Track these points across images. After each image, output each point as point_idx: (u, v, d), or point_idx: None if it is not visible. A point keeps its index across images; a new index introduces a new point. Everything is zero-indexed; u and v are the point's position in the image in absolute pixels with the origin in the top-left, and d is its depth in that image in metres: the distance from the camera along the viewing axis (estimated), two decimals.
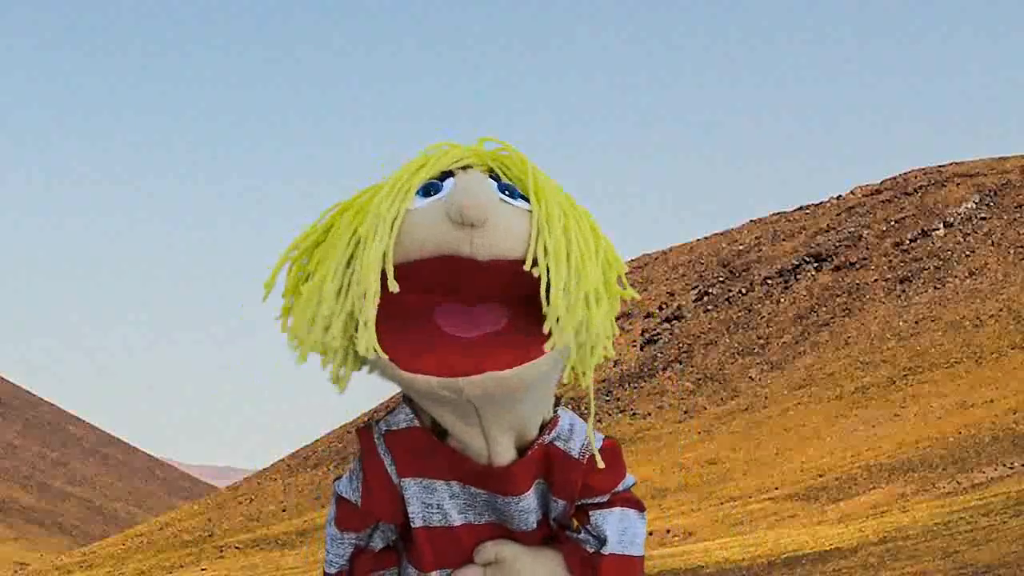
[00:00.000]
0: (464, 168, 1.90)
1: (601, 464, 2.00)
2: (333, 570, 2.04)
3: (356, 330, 1.83)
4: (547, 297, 1.82)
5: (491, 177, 1.89)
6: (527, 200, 1.87)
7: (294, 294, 1.91)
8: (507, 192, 1.87)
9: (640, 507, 2.10)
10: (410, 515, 1.98)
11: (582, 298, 1.84)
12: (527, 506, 1.99)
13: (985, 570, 12.94)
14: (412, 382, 1.84)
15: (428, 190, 1.85)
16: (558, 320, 1.82)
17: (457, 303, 1.86)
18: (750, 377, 42.69)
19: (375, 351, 1.82)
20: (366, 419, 1.97)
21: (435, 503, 1.98)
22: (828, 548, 17.23)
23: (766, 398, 39.55)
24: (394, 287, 1.80)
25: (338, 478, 2.05)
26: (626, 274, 1.99)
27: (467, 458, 1.95)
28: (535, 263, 1.82)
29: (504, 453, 1.95)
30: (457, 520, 1.98)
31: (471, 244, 1.81)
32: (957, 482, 22.71)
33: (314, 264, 1.88)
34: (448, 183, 1.86)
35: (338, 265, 1.84)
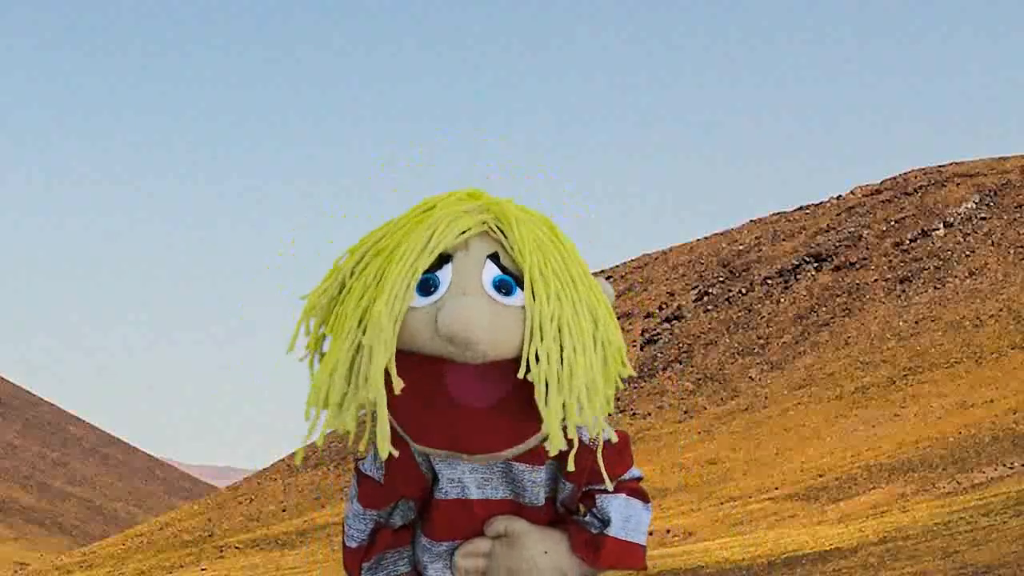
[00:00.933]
0: (466, 243, 1.94)
1: (613, 438, 2.06)
2: (354, 544, 2.13)
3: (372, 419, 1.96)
4: (544, 399, 1.91)
5: (490, 257, 1.94)
6: (523, 287, 1.93)
7: (316, 351, 2.01)
8: (503, 289, 1.92)
9: (646, 498, 2.16)
10: (434, 488, 2.08)
11: (575, 400, 1.92)
12: (539, 479, 2.07)
13: (985, 570, 12.94)
14: (421, 448, 1.99)
15: (427, 285, 1.91)
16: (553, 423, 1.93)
17: (462, 366, 1.93)
18: (750, 377, 42.70)
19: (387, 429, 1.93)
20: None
21: (456, 476, 2.06)
22: (828, 548, 17.23)
23: (766, 398, 39.56)
24: (398, 389, 1.90)
25: (360, 458, 2.13)
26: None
27: None
28: (529, 367, 1.91)
29: None
30: (474, 494, 2.06)
31: (463, 356, 1.90)
32: (957, 482, 22.71)
33: (332, 326, 1.97)
34: (445, 276, 1.91)
35: (346, 352, 1.93)
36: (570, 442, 1.99)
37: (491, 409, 1.93)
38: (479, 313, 1.88)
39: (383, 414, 1.90)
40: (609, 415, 2.03)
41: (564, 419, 1.92)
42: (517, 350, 1.90)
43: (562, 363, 1.90)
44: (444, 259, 1.92)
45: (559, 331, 1.91)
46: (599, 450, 2.04)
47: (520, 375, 1.89)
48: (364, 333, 1.90)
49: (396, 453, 1.93)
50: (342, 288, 1.96)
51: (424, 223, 1.94)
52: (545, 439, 2.00)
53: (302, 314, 1.98)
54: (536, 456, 2.04)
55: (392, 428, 1.94)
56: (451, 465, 2.05)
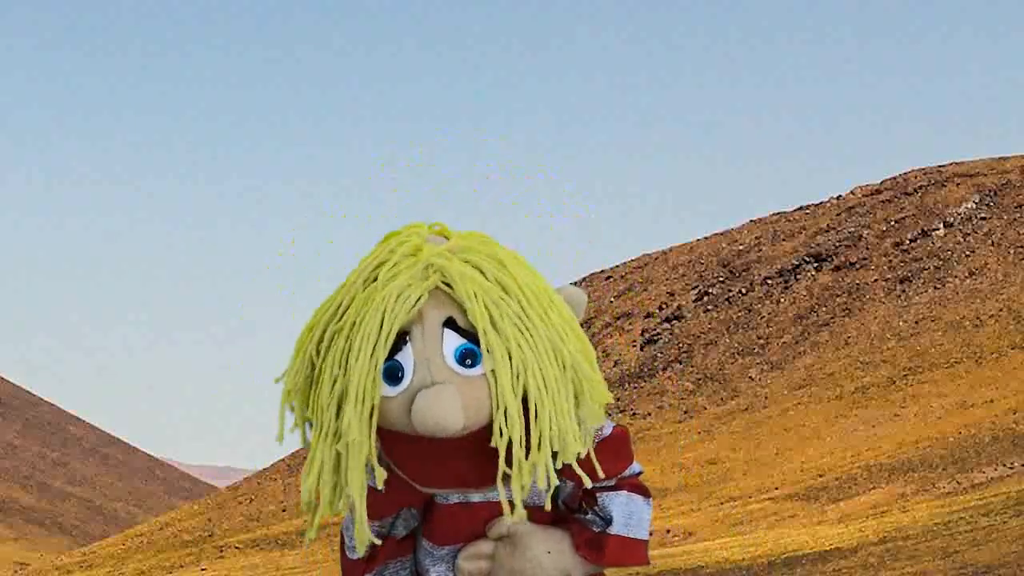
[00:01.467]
0: (420, 314, 1.94)
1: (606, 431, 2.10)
2: (354, 556, 2.13)
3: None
4: (510, 465, 1.94)
5: (445, 325, 1.94)
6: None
7: (301, 426, 2.04)
8: (467, 360, 1.93)
9: (646, 493, 2.17)
10: (437, 494, 2.09)
11: (545, 454, 1.95)
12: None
13: (985, 570, 12.94)
14: (430, 491, 2.05)
15: (393, 372, 1.93)
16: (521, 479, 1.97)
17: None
18: (750, 377, 42.70)
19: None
20: None
21: None
22: (828, 548, 17.23)
23: (766, 398, 39.56)
24: (381, 483, 1.97)
25: None
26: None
27: None
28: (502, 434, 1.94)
29: None
30: (476, 497, 2.07)
31: (442, 435, 1.93)
32: (957, 482, 22.71)
33: (310, 412, 2.01)
34: (407, 359, 1.92)
35: (329, 451, 1.98)
36: (566, 469, 2.02)
37: (488, 451, 1.96)
38: (450, 405, 1.90)
39: (362, 515, 1.96)
40: (599, 429, 2.08)
41: (536, 476, 1.95)
42: (488, 417, 1.94)
43: (529, 419, 1.93)
44: (402, 335, 1.93)
45: (524, 387, 1.93)
46: (590, 450, 2.06)
47: (493, 444, 1.92)
48: (340, 437, 1.94)
49: (376, 543, 2.01)
50: (313, 367, 1.99)
51: (375, 301, 1.94)
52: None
53: (282, 399, 2.01)
54: None
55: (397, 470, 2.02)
56: None
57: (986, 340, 36.50)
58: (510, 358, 1.92)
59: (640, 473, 2.17)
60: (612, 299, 54.29)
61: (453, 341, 1.92)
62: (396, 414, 1.92)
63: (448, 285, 1.94)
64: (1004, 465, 22.92)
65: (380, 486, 1.96)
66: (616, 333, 50.85)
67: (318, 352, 1.97)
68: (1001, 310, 38.86)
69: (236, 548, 36.63)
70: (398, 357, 1.92)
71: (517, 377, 1.92)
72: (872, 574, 14.52)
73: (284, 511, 43.16)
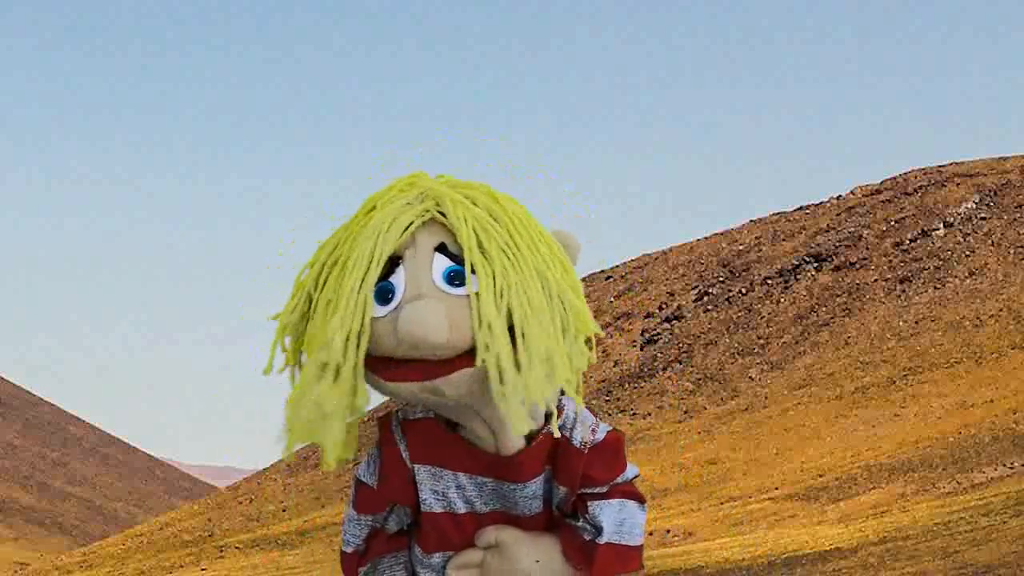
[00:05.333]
0: (412, 238, 1.93)
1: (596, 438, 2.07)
2: (350, 549, 2.13)
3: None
4: (497, 384, 1.89)
5: (437, 249, 1.93)
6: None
7: (295, 364, 2.02)
8: (456, 280, 1.91)
9: (640, 499, 2.14)
10: (420, 499, 2.06)
11: (538, 371, 1.90)
12: (532, 492, 2.06)
13: (985, 570, 12.95)
14: (397, 390, 1.94)
15: (385, 294, 1.91)
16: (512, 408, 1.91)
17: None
18: (750, 377, 42.69)
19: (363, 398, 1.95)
20: (382, 411, 2.04)
21: (441, 490, 2.06)
22: (828, 548, 17.23)
23: (766, 398, 39.56)
24: (364, 400, 1.94)
25: (358, 463, 2.14)
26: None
27: (477, 448, 2.02)
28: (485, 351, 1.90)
29: (511, 442, 2.02)
30: (461, 508, 2.06)
31: (431, 356, 1.90)
32: (957, 482, 22.71)
33: (304, 344, 1.98)
34: (399, 280, 1.91)
35: (316, 372, 1.93)
36: (547, 416, 2.00)
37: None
38: (434, 315, 1.87)
39: (331, 433, 1.93)
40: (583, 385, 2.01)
41: (531, 396, 1.89)
42: (471, 339, 1.90)
43: (516, 339, 1.89)
44: (396, 261, 1.93)
45: (508, 307, 1.89)
46: (582, 455, 2.04)
47: (477, 364, 1.87)
48: (330, 348, 1.91)
49: (341, 459, 1.96)
50: (310, 302, 1.97)
51: (368, 228, 1.94)
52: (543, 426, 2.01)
53: (276, 334, 2.00)
54: (525, 472, 2.03)
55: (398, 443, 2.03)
56: (436, 478, 2.05)
57: (986, 340, 36.50)
58: (494, 278, 1.90)
59: (635, 478, 2.14)
60: (612, 299, 54.27)
61: (442, 263, 1.91)
62: (383, 334, 1.90)
63: (442, 214, 1.94)
64: (1004, 465, 22.92)
65: (359, 406, 1.92)
66: (616, 333, 50.84)
67: (315, 286, 1.97)
68: (1001, 310, 38.86)
69: (236, 548, 36.62)
70: (391, 279, 1.92)
71: (500, 296, 1.89)
72: (872, 574, 14.53)
73: (284, 511, 43.16)
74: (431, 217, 1.94)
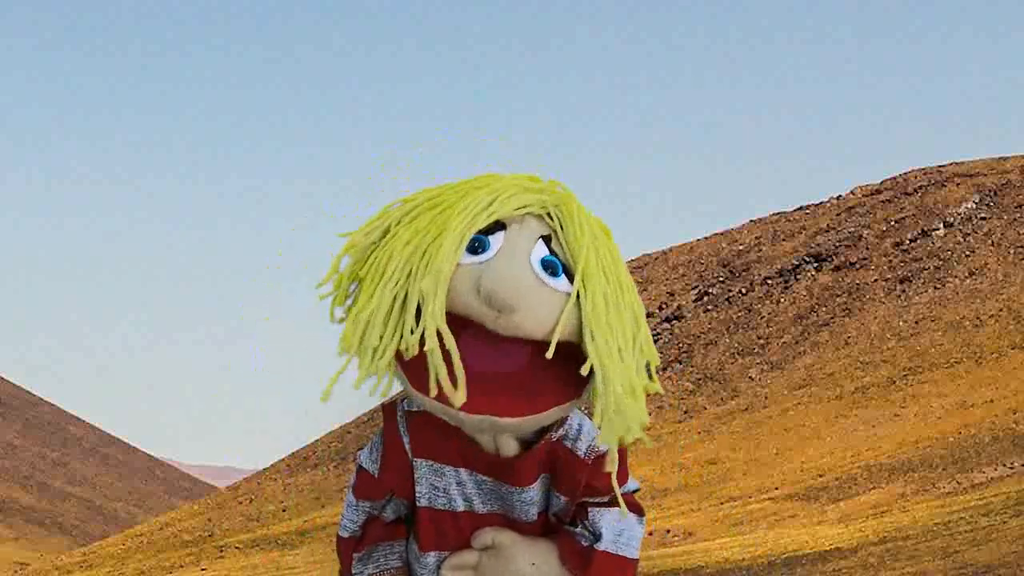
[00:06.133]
0: (521, 218, 1.92)
1: (612, 467, 2.03)
2: (346, 534, 2.14)
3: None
4: (599, 380, 1.88)
5: (543, 238, 1.91)
6: (568, 274, 1.90)
7: (342, 293, 1.96)
8: (549, 269, 1.89)
9: (640, 512, 2.13)
10: (417, 494, 2.05)
11: (612, 399, 1.90)
12: (530, 498, 2.04)
13: (985, 570, 12.94)
14: (421, 401, 1.92)
15: (475, 245, 1.89)
16: (607, 415, 1.91)
17: (482, 335, 1.90)
18: (750, 377, 42.70)
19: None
20: (372, 411, 2.00)
21: (442, 487, 2.05)
22: (828, 548, 17.23)
23: (766, 398, 39.56)
24: (449, 339, 1.86)
25: (362, 448, 2.13)
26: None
27: (477, 446, 2.01)
28: (568, 348, 1.88)
29: (509, 447, 2.01)
30: (461, 506, 2.05)
31: (495, 322, 1.88)
32: (957, 482, 22.70)
33: (367, 271, 1.92)
34: (496, 241, 1.89)
35: (388, 297, 1.89)
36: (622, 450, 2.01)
37: (499, 375, 1.90)
38: (525, 280, 1.86)
39: (437, 351, 1.85)
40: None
41: (617, 413, 1.90)
42: (547, 332, 1.87)
43: (621, 357, 1.89)
44: (498, 226, 1.90)
45: (609, 325, 1.89)
46: (604, 458, 2.03)
47: (549, 355, 1.85)
48: (412, 279, 1.87)
49: (447, 343, 1.86)
50: (384, 234, 1.93)
51: (485, 189, 1.92)
52: (550, 428, 1.99)
53: (342, 250, 1.94)
54: (521, 476, 2.02)
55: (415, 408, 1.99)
56: (438, 474, 2.04)
57: (986, 340, 36.49)
58: (598, 295, 1.89)
59: (636, 491, 2.14)
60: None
61: (542, 250, 1.90)
62: (461, 281, 1.87)
63: (556, 219, 1.93)
64: (1004, 465, 22.91)
65: (415, 346, 1.86)
66: None
67: (400, 221, 1.92)
68: (1001, 310, 38.86)
69: (236, 548, 36.62)
70: (488, 237, 1.90)
71: (603, 314, 1.88)
72: (872, 574, 14.52)
73: (284, 511, 43.16)
74: (546, 213, 1.93)
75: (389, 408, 2.06)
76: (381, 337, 1.88)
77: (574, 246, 1.91)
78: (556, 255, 1.91)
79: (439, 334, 1.85)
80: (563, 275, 1.90)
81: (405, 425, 2.04)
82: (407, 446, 2.03)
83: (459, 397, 1.86)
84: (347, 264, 1.95)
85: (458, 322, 1.88)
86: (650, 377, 1.98)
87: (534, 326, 1.87)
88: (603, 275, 1.91)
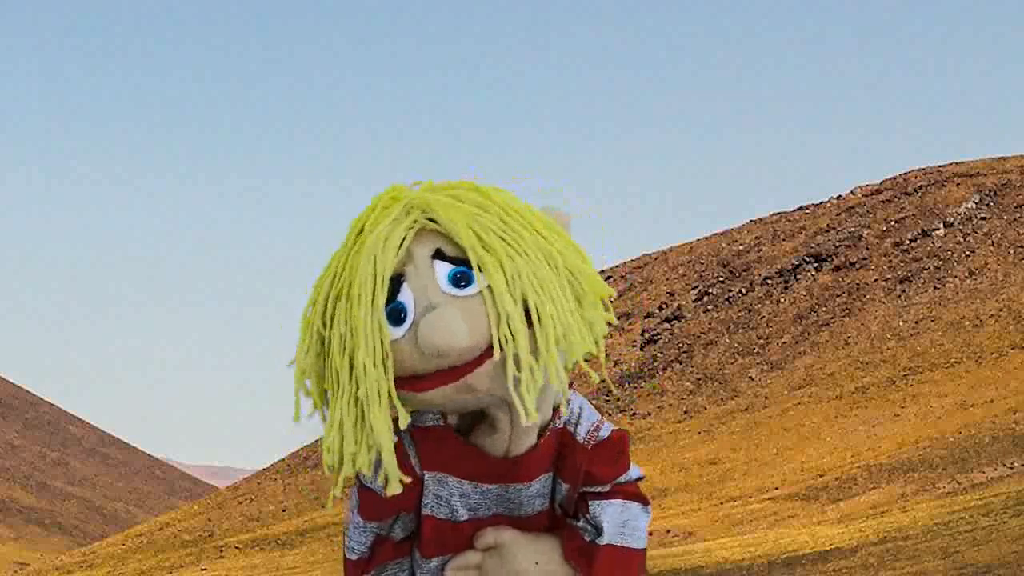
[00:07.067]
0: (408, 254, 1.91)
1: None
2: (354, 556, 2.09)
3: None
4: (512, 375, 1.88)
5: (434, 255, 1.91)
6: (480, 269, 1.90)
7: (322, 407, 1.99)
8: (461, 282, 1.89)
9: (644, 501, 2.10)
10: (422, 503, 2.04)
11: (553, 360, 1.89)
12: (537, 491, 2.03)
13: (985, 570, 12.95)
14: (431, 398, 1.92)
15: (397, 314, 1.89)
16: (526, 395, 1.89)
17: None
18: (750, 377, 42.70)
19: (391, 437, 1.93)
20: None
21: (444, 496, 2.03)
22: (828, 548, 17.23)
23: (766, 398, 39.56)
24: (405, 423, 1.90)
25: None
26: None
27: (485, 454, 2.00)
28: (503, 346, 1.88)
29: (526, 436, 1.99)
30: (463, 516, 2.03)
31: (459, 362, 1.88)
32: (957, 482, 22.70)
33: (328, 383, 1.95)
34: (407, 298, 1.90)
35: (347, 407, 1.92)
36: (554, 409, 1.99)
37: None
38: (452, 320, 1.86)
39: (390, 457, 1.90)
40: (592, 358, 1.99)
41: (550, 379, 1.89)
42: (490, 336, 1.88)
43: (533, 323, 1.87)
44: (398, 280, 1.90)
45: (523, 294, 1.88)
46: (586, 452, 2.02)
47: (496, 357, 1.86)
48: (357, 386, 1.89)
49: (407, 481, 1.93)
50: (323, 341, 1.94)
51: (364, 252, 1.92)
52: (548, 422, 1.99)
53: (296, 380, 1.97)
54: (533, 469, 2.01)
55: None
56: (441, 484, 2.02)
57: (986, 340, 36.49)
58: (503, 269, 1.88)
59: (640, 479, 2.11)
60: (612, 299, 54.16)
61: (444, 269, 1.89)
62: (408, 352, 1.88)
63: (431, 220, 1.92)
64: (1004, 465, 22.91)
65: (404, 426, 1.90)
66: (616, 333, 50.85)
67: (324, 324, 1.94)
68: (1001, 310, 38.86)
69: (236, 548, 36.62)
70: (399, 299, 1.89)
71: (513, 284, 1.88)
72: (872, 574, 14.53)
73: (284, 511, 43.16)
74: (421, 227, 1.92)
75: (393, 424, 2.01)
76: (356, 445, 1.92)
77: (452, 231, 1.90)
78: (457, 259, 1.90)
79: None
80: (475, 275, 1.90)
81: (411, 439, 2.03)
82: (415, 460, 2.02)
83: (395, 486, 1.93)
84: (311, 383, 1.98)
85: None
86: (607, 309, 1.98)
87: (483, 342, 1.87)
88: (498, 242, 1.90)
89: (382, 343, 1.88)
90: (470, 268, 1.89)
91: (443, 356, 1.86)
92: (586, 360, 1.96)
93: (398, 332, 1.89)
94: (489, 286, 1.88)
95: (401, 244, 1.91)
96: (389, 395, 1.88)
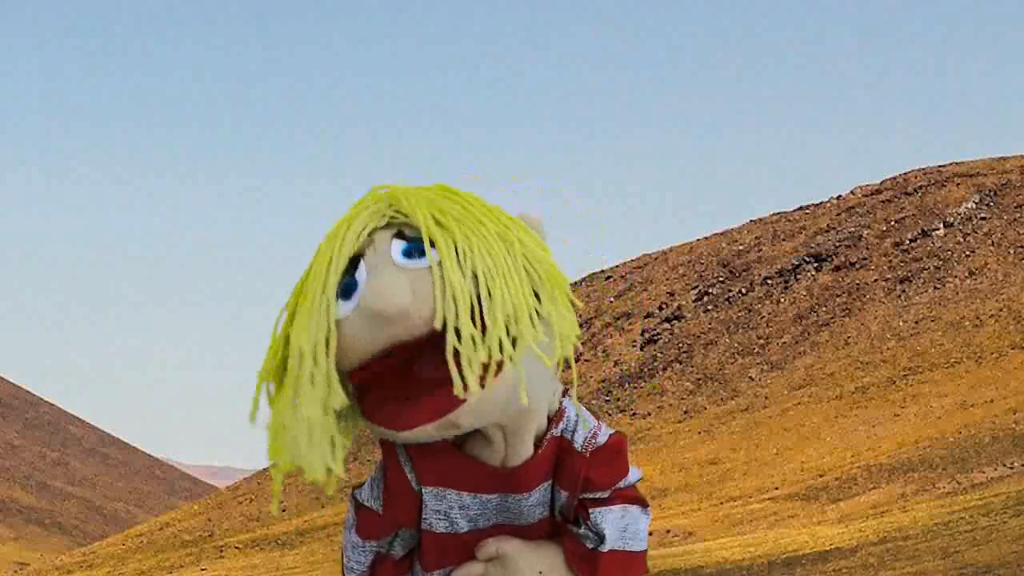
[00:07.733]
0: (371, 239, 1.87)
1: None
2: (353, 574, 2.06)
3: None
4: (452, 345, 1.81)
5: (396, 235, 1.87)
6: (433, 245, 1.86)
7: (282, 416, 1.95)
8: (414, 255, 1.85)
9: (643, 503, 2.09)
10: (422, 518, 2.01)
11: (500, 328, 1.82)
12: (537, 500, 2.01)
13: (985, 570, 12.95)
14: (416, 436, 1.86)
15: (348, 290, 1.84)
16: (466, 374, 1.81)
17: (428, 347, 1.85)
18: (750, 377, 42.70)
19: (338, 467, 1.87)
20: None
21: (444, 510, 2.01)
22: (828, 548, 17.24)
23: (766, 398, 39.56)
24: (340, 402, 1.84)
25: (357, 487, 2.07)
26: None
27: (482, 465, 1.97)
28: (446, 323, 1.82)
29: (522, 448, 1.97)
30: (464, 528, 2.01)
31: (407, 332, 1.81)
32: (957, 482, 22.71)
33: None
34: (361, 275, 1.85)
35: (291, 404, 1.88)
36: (549, 420, 1.96)
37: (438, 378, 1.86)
38: (396, 281, 1.81)
39: (321, 436, 1.83)
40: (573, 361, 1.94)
41: (494, 355, 1.81)
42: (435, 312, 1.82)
43: (482, 300, 1.82)
44: (357, 260, 1.87)
45: (472, 270, 1.83)
46: (585, 458, 2.00)
47: (438, 325, 1.79)
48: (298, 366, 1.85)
49: (340, 476, 1.87)
50: (287, 342, 1.91)
51: (326, 242, 1.90)
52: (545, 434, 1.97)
53: (257, 382, 1.93)
54: (532, 479, 1.99)
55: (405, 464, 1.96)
56: (439, 498, 2.00)
57: (986, 340, 36.50)
58: (455, 244, 1.84)
59: (638, 480, 2.09)
60: (612, 299, 54.28)
61: (399, 246, 1.86)
62: (357, 326, 1.82)
63: (398, 213, 1.88)
64: (1004, 465, 22.92)
65: (337, 406, 1.82)
66: (616, 333, 50.85)
67: (289, 323, 1.90)
68: (1001, 310, 38.86)
69: (236, 548, 36.62)
70: (355, 276, 1.85)
71: (464, 259, 1.83)
72: (872, 574, 14.53)
73: (284, 511, 43.15)
74: (385, 216, 1.89)
75: (388, 442, 2.01)
76: (294, 439, 1.86)
77: (414, 219, 1.86)
78: (416, 239, 1.86)
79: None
80: (426, 246, 1.85)
81: (406, 454, 1.99)
82: (411, 476, 1.99)
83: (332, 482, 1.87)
84: (274, 386, 1.92)
85: (393, 357, 1.84)
86: (559, 277, 1.91)
87: (427, 313, 1.80)
88: (455, 223, 1.86)
89: (327, 321, 1.82)
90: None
91: (389, 321, 1.80)
92: (561, 368, 1.92)
93: (349, 306, 1.84)
94: (440, 262, 1.84)
95: (363, 230, 1.88)
96: (328, 378, 1.81)
